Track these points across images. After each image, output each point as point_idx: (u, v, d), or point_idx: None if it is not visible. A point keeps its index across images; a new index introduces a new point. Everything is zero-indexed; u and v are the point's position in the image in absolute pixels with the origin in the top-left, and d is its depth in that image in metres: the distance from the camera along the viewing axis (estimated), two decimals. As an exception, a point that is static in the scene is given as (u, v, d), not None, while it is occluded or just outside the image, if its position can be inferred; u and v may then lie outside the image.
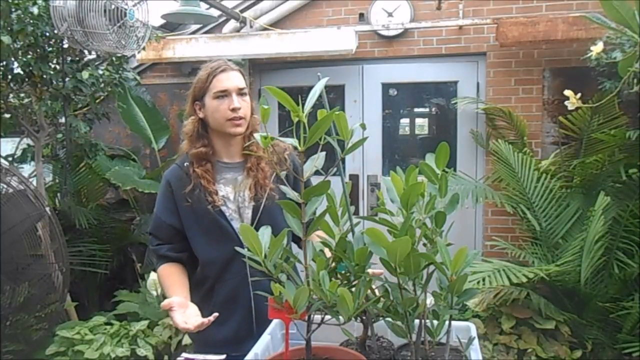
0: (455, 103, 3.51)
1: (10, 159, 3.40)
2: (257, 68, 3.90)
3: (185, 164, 1.58)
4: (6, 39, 2.67)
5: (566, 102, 1.73)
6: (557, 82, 3.46)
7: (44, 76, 2.98)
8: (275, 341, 1.11)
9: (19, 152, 3.46)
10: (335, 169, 0.93)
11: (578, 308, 2.82)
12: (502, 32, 3.29)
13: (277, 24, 3.81)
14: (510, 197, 3.14)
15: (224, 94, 1.52)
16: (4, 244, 2.71)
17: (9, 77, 2.97)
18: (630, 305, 2.57)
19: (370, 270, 0.92)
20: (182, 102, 4.04)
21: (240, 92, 1.54)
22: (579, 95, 1.69)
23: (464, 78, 3.70)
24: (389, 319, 0.95)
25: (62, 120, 3.32)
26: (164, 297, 3.43)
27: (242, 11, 3.68)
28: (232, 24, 3.78)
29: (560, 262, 2.66)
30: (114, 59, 3.38)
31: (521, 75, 3.52)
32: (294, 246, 1.63)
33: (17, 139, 3.66)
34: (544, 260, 2.90)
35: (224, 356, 1.20)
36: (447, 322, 0.94)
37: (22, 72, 2.95)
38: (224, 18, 3.81)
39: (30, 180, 3.15)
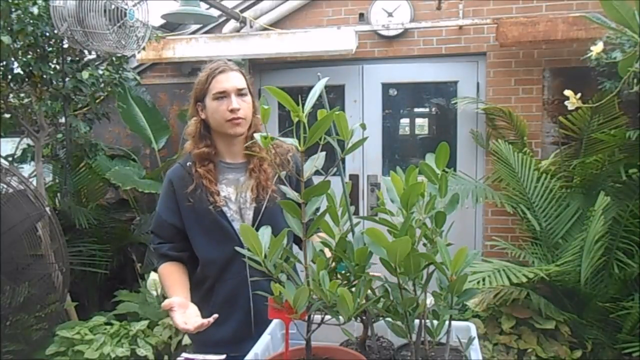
0: (455, 103, 3.51)
1: (10, 159, 3.40)
2: (257, 68, 3.90)
3: (188, 164, 1.59)
4: (6, 39, 2.67)
5: (566, 102, 1.73)
6: (557, 82, 3.46)
7: (44, 76, 2.98)
8: (275, 341, 1.11)
9: (19, 152, 3.46)
10: (335, 169, 0.93)
11: (578, 308, 2.82)
12: (502, 32, 3.29)
13: (277, 24, 3.81)
14: (510, 197, 3.14)
15: (222, 95, 1.53)
16: (4, 244, 2.71)
17: (9, 77, 2.97)
18: (630, 305, 2.57)
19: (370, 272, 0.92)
20: (182, 102, 4.10)
21: (239, 93, 1.54)
22: (579, 95, 1.69)
23: (464, 78, 3.70)
24: (389, 319, 0.95)
25: (62, 120, 3.32)
26: (164, 297, 3.42)
27: (242, 11, 3.68)
28: (232, 24, 3.78)
29: (560, 262, 2.66)
30: (114, 59, 3.38)
31: (521, 75, 3.52)
32: (295, 247, 1.63)
33: (17, 139, 3.67)
34: (544, 260, 2.90)
35: (223, 356, 1.20)
36: (447, 322, 0.94)
37: (22, 72, 2.95)
38: (224, 18, 3.81)
39: (30, 180, 3.15)
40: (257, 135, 0.87)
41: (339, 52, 3.51)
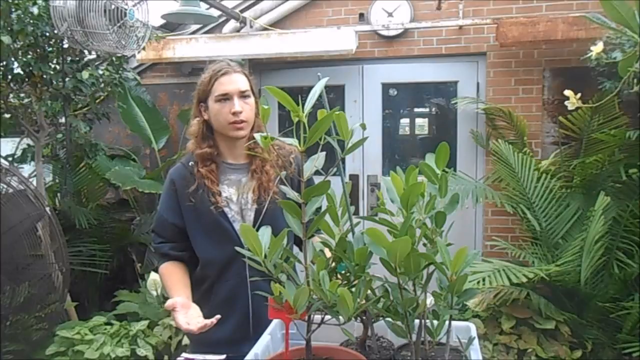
0: (455, 103, 3.51)
1: (10, 159, 3.39)
2: (257, 68, 3.90)
3: (190, 163, 1.59)
4: (6, 39, 2.68)
5: (566, 102, 1.73)
6: (557, 82, 3.46)
7: (44, 76, 2.98)
8: (275, 341, 1.11)
9: (19, 152, 3.45)
10: (335, 169, 0.93)
11: (578, 308, 2.82)
12: (502, 32, 3.29)
13: (277, 24, 3.81)
14: (510, 197, 3.14)
15: (225, 98, 1.52)
16: (4, 244, 2.71)
17: (9, 77, 2.97)
18: (630, 305, 2.57)
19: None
20: (182, 102, 4.11)
21: (242, 95, 1.54)
22: (579, 95, 1.69)
23: (464, 78, 3.70)
24: (389, 319, 0.95)
25: (62, 120, 3.32)
26: (164, 297, 3.43)
27: (242, 11, 3.68)
28: (232, 24, 3.78)
29: (560, 262, 2.66)
30: (114, 59, 3.38)
31: (521, 75, 3.52)
32: (295, 248, 1.63)
33: (17, 139, 3.67)
34: (544, 260, 2.90)
35: (223, 356, 1.20)
36: (447, 322, 0.94)
37: (22, 72, 2.95)
38: (224, 18, 3.81)
39: (30, 180, 3.15)
40: (257, 136, 0.87)
41: (339, 52, 3.51)
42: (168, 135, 4.10)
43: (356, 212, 3.78)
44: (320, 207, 0.92)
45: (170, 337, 3.02)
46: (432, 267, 0.92)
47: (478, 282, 2.44)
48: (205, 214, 1.54)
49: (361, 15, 3.71)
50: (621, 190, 2.91)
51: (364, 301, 0.91)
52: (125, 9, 2.61)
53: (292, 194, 0.91)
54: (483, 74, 3.64)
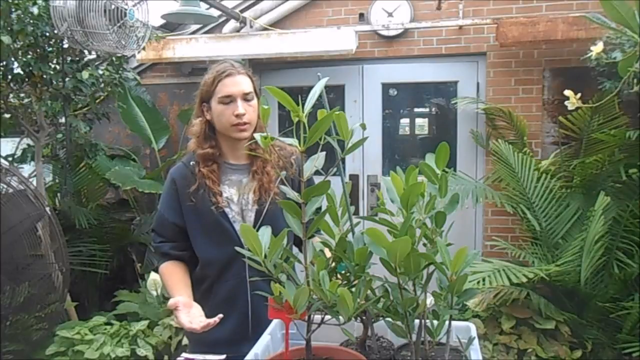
0: (455, 103, 3.51)
1: (10, 159, 3.40)
2: (257, 68, 3.90)
3: (191, 163, 1.58)
4: (6, 39, 2.67)
5: (566, 102, 1.72)
6: (557, 82, 3.46)
7: (44, 76, 2.98)
8: (275, 341, 1.11)
9: (19, 152, 3.45)
10: (335, 169, 0.93)
11: (578, 308, 2.82)
12: (502, 32, 3.29)
13: (277, 24, 3.81)
14: (510, 197, 3.14)
15: (229, 99, 1.52)
16: (4, 244, 2.71)
17: (9, 77, 2.97)
18: (630, 305, 2.57)
19: None
20: (182, 102, 4.11)
21: (245, 97, 1.53)
22: (579, 95, 1.69)
23: (464, 78, 3.70)
24: (389, 319, 0.95)
25: (62, 120, 3.32)
26: (164, 297, 3.42)
27: (242, 11, 3.68)
28: (232, 24, 3.78)
29: (560, 262, 2.66)
30: (114, 59, 3.38)
31: (521, 75, 3.52)
32: (295, 249, 1.63)
33: (17, 139, 3.67)
34: (544, 260, 2.90)
35: (223, 356, 1.20)
36: (447, 322, 0.94)
37: (22, 72, 2.95)
38: (224, 18, 3.81)
39: (30, 180, 3.15)
40: (257, 136, 0.87)
41: (339, 52, 3.51)
42: (168, 135, 4.10)
43: (356, 212, 3.78)
44: (320, 207, 0.92)
45: (170, 337, 3.02)
46: (432, 267, 0.92)
47: (478, 282, 2.44)
48: (206, 214, 1.54)
49: (361, 15, 3.71)
50: (621, 190, 2.91)
51: (364, 301, 0.91)
52: (125, 9, 2.61)
53: (292, 194, 0.91)
54: (483, 74, 3.64)
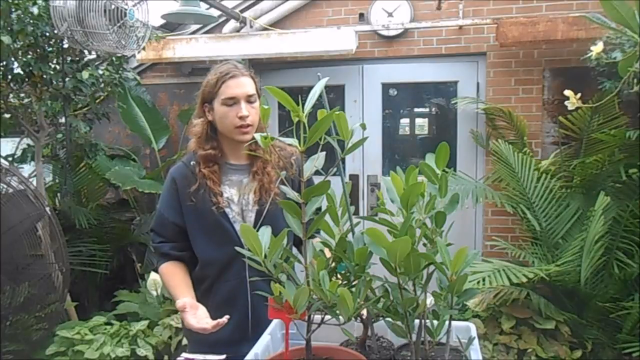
0: (455, 103, 3.51)
1: (10, 159, 3.40)
2: (257, 68, 3.90)
3: (191, 163, 1.58)
4: (6, 39, 2.67)
5: (566, 102, 1.72)
6: (557, 82, 3.46)
7: (44, 76, 2.98)
8: (275, 341, 1.11)
9: (19, 152, 3.46)
10: (335, 169, 0.93)
11: (578, 308, 2.82)
12: (502, 32, 3.29)
13: (277, 24, 3.81)
14: (510, 197, 3.13)
15: (232, 101, 1.52)
16: (4, 244, 2.71)
17: (9, 77, 2.97)
18: (630, 305, 2.57)
19: None
20: (182, 102, 4.10)
21: (249, 99, 1.53)
22: (579, 95, 1.69)
23: (464, 78, 3.70)
24: (389, 319, 0.95)
25: (62, 120, 3.32)
26: (164, 297, 3.41)
27: (242, 11, 3.68)
28: (232, 24, 3.78)
29: (560, 262, 2.66)
30: (114, 59, 3.38)
31: (521, 75, 3.52)
32: (294, 249, 1.63)
33: (17, 139, 3.67)
34: (544, 260, 2.90)
35: (223, 356, 1.20)
36: (447, 322, 0.94)
37: (22, 72, 2.95)
38: (224, 18, 3.81)
39: (30, 180, 3.15)
40: (257, 136, 0.87)
41: (339, 52, 3.51)
42: (168, 135, 4.10)
43: (356, 212, 3.79)
44: (320, 207, 0.92)
45: (170, 337, 3.02)
46: (432, 267, 0.92)
47: (478, 282, 2.44)
48: (206, 214, 1.53)
49: (361, 15, 3.71)
50: (621, 190, 2.91)
51: (363, 301, 0.91)
52: (125, 9, 2.61)
53: (292, 194, 0.91)
54: (483, 74, 3.64)
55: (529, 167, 3.07)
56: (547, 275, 2.52)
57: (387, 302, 0.95)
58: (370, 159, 3.86)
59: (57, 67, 3.08)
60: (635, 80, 1.72)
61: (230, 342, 1.51)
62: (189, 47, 3.71)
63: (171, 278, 1.57)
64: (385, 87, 3.85)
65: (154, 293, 3.24)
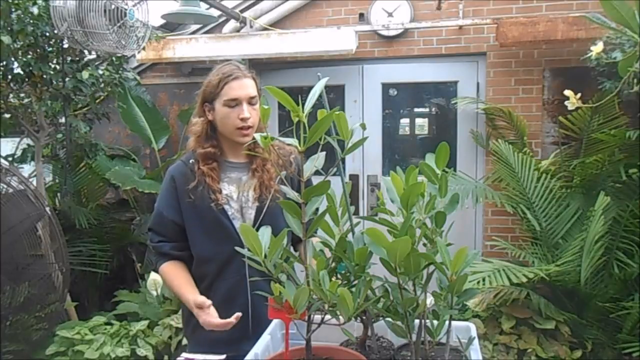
0: (455, 103, 3.51)
1: (10, 159, 3.40)
2: (257, 68, 3.90)
3: (190, 161, 1.59)
4: (6, 39, 2.67)
5: (566, 102, 1.72)
6: (557, 82, 3.46)
7: (44, 76, 2.98)
8: (275, 341, 1.11)
9: (19, 152, 3.46)
10: (335, 169, 0.93)
11: (578, 308, 2.82)
12: (502, 32, 3.29)
13: (277, 24, 3.81)
14: (510, 197, 3.13)
15: (234, 103, 1.52)
16: (4, 244, 2.71)
17: (9, 77, 2.97)
18: (630, 305, 2.57)
19: None
20: (182, 102, 4.10)
21: (250, 101, 1.54)
22: (579, 95, 1.69)
23: (464, 78, 3.70)
24: (389, 319, 0.95)
25: (62, 120, 3.32)
26: (164, 297, 3.41)
27: (242, 11, 3.68)
28: (232, 24, 3.78)
29: (560, 262, 2.65)
30: (114, 59, 3.38)
31: (521, 75, 3.52)
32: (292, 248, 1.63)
33: (17, 139, 3.67)
34: (544, 260, 2.90)
35: (223, 356, 1.20)
36: (447, 322, 0.94)
37: (22, 72, 2.95)
38: (224, 18, 3.81)
39: (30, 180, 3.15)
40: (257, 136, 0.87)
41: (339, 52, 3.51)
42: (168, 135, 4.10)
43: (356, 212, 3.78)
44: (317, 208, 0.92)
45: (170, 337, 3.02)
46: (432, 267, 0.92)
47: (478, 282, 2.44)
48: (205, 211, 1.54)
49: (361, 15, 3.71)
50: (621, 190, 2.91)
51: (363, 301, 0.91)
52: (125, 9, 2.61)
53: (292, 194, 0.91)
54: (483, 74, 3.64)
55: (529, 167, 3.07)
56: (547, 275, 2.52)
57: (387, 302, 0.95)
58: (370, 159, 3.86)
59: (57, 67, 3.08)
60: (635, 80, 1.72)
61: (230, 340, 1.51)
62: (189, 47, 3.71)
63: (175, 277, 1.57)
64: (385, 87, 3.85)
65: (154, 293, 3.24)
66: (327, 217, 0.96)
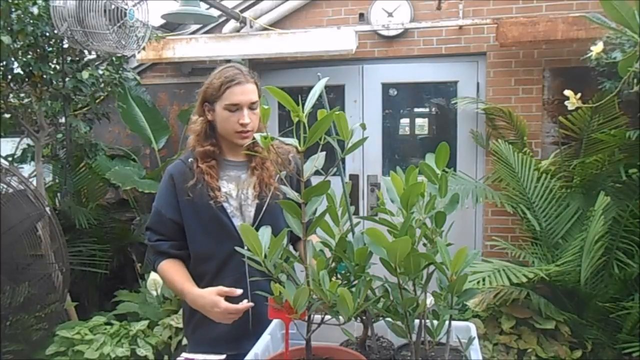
0: (455, 103, 3.51)
1: (10, 159, 3.40)
2: (257, 68, 3.90)
3: (189, 160, 1.59)
4: (6, 39, 2.67)
5: (566, 102, 1.72)
6: (557, 82, 3.46)
7: (44, 76, 2.98)
8: (275, 341, 1.11)
9: (19, 152, 3.46)
10: (335, 169, 0.93)
11: (578, 308, 2.82)
12: (502, 32, 3.29)
13: (277, 24, 3.81)
14: (510, 197, 3.13)
15: (235, 108, 1.52)
16: (4, 244, 2.71)
17: (9, 77, 2.97)
18: (630, 305, 2.57)
19: None
20: (182, 102, 4.11)
21: (251, 106, 1.54)
22: (579, 95, 1.69)
23: (464, 78, 3.70)
24: (389, 319, 0.95)
25: (62, 120, 3.32)
26: (164, 296, 3.41)
27: (242, 11, 3.68)
28: (232, 24, 3.78)
29: (560, 262, 2.65)
30: (114, 59, 3.38)
31: (521, 75, 3.52)
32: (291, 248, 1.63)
33: (17, 139, 3.67)
34: (544, 260, 2.90)
35: (223, 356, 1.20)
36: (447, 322, 0.94)
37: (22, 72, 2.95)
38: (224, 18, 3.81)
39: (30, 180, 3.15)
40: (257, 135, 0.87)
41: (339, 52, 3.51)
42: (168, 135, 4.10)
43: (356, 212, 3.78)
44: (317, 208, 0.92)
45: (170, 337, 3.02)
46: (432, 267, 0.92)
47: (478, 282, 2.44)
48: (204, 208, 1.54)
49: (361, 15, 3.71)
50: (621, 190, 2.91)
51: (364, 301, 0.91)
52: (125, 9, 2.61)
53: (292, 193, 0.91)
54: (483, 74, 3.64)
55: (529, 167, 3.07)
56: (547, 275, 2.52)
57: (387, 302, 0.95)
58: (370, 159, 3.86)
59: (57, 67, 3.08)
60: (635, 80, 1.72)
61: (231, 338, 1.51)
62: (189, 47, 3.71)
63: (175, 273, 1.56)
64: (385, 87, 3.85)
65: (154, 293, 3.24)
66: (327, 217, 0.96)
